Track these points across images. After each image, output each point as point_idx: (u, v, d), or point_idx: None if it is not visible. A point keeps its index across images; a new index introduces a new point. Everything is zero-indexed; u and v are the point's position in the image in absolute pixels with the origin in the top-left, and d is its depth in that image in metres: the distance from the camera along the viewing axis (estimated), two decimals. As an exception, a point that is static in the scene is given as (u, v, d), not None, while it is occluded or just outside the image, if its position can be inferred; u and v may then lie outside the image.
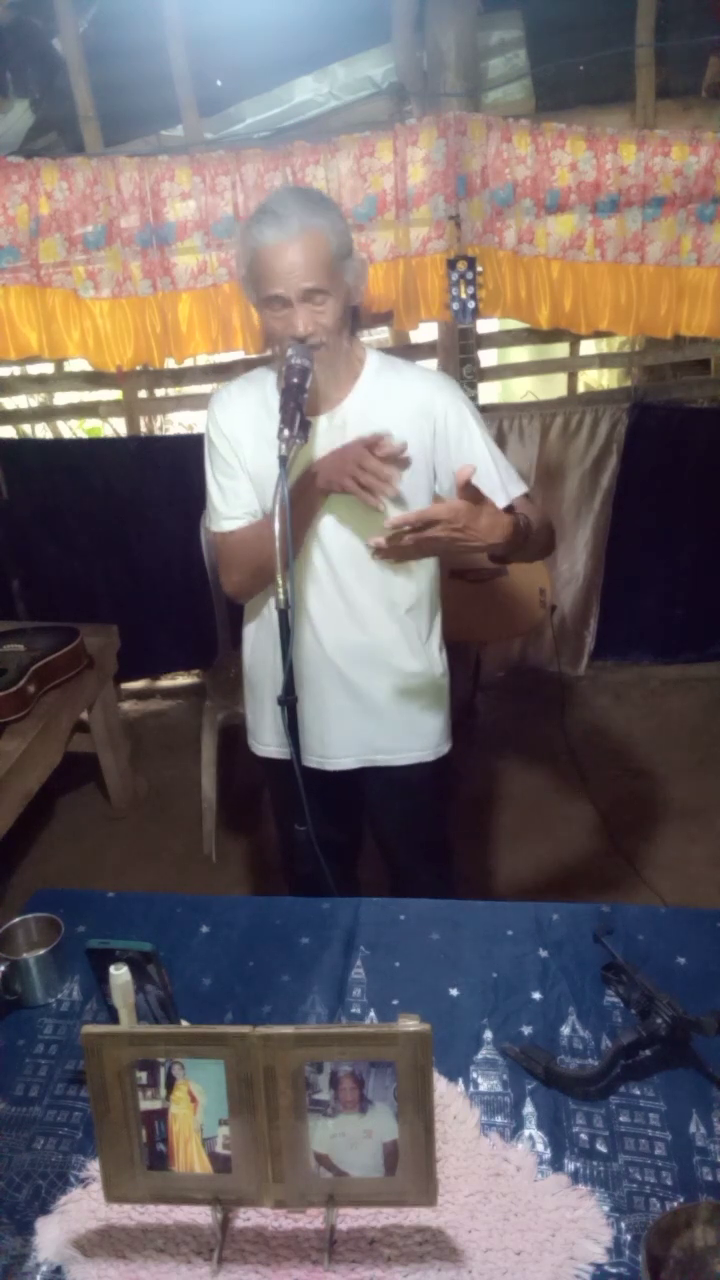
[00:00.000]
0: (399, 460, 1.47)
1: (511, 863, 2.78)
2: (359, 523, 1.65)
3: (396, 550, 1.43)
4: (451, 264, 2.59)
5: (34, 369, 3.57)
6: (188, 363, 3.14)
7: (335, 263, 1.54)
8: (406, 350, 3.27)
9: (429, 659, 1.82)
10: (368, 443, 1.47)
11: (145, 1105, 1.04)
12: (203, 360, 3.28)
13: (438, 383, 1.71)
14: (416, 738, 1.84)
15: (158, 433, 3.72)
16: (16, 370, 3.50)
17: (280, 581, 1.44)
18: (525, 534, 1.53)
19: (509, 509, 1.52)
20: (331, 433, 1.65)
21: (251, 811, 3.07)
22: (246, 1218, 1.10)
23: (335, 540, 1.68)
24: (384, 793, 1.90)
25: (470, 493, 1.39)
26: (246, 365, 3.24)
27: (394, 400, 1.66)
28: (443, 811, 2.03)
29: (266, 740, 1.90)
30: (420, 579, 1.76)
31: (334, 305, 1.55)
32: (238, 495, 1.72)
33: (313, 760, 1.83)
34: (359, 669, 1.76)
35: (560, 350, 3.52)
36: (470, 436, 1.68)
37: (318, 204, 1.55)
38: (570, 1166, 1.14)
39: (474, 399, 2.47)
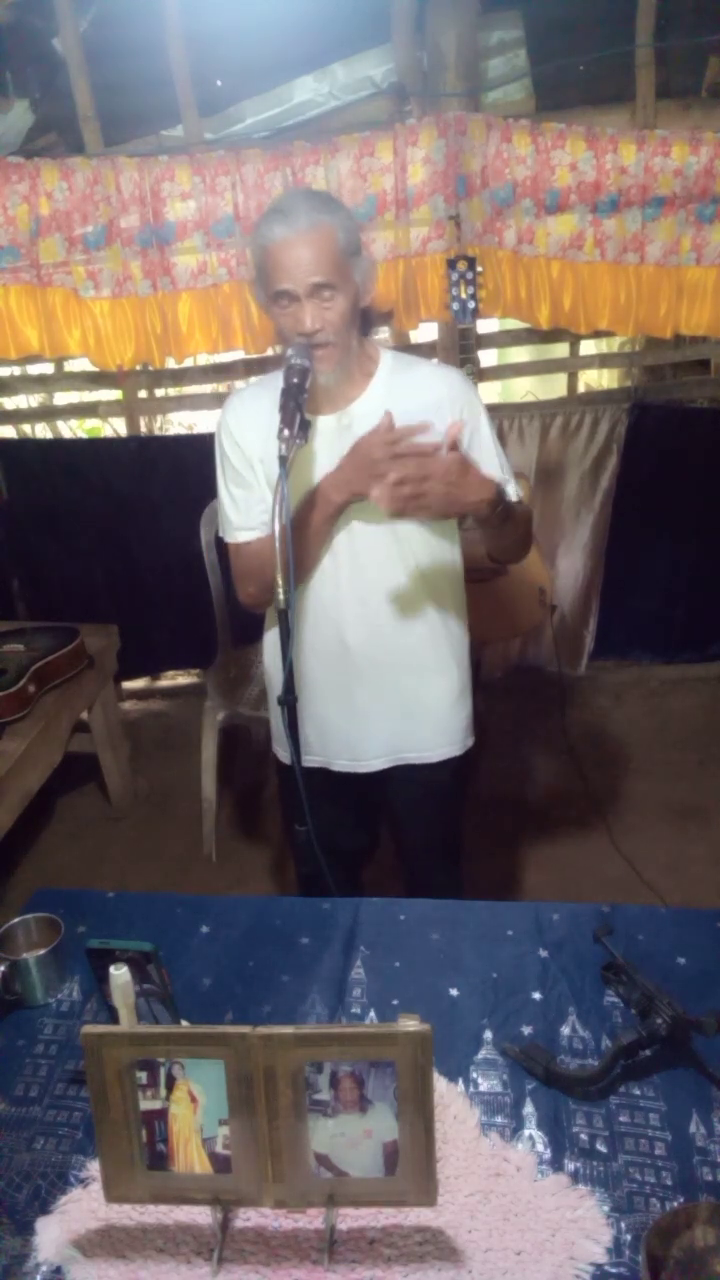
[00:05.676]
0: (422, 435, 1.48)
1: (511, 862, 2.78)
2: (383, 522, 1.64)
3: (398, 501, 1.45)
4: (451, 264, 2.59)
5: (34, 369, 3.57)
6: (188, 362, 3.14)
7: (344, 259, 1.54)
8: (406, 350, 3.26)
9: (457, 654, 1.82)
10: (377, 435, 1.48)
11: (145, 1105, 1.04)
12: (203, 360, 3.28)
13: (453, 382, 1.70)
14: (446, 733, 1.84)
15: (158, 433, 3.72)
16: (16, 370, 3.50)
17: (279, 582, 1.44)
18: (508, 510, 1.60)
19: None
20: (340, 433, 1.63)
21: (251, 811, 3.07)
22: (246, 1218, 1.10)
23: (361, 542, 1.67)
24: (411, 791, 1.89)
25: (458, 452, 1.45)
26: (246, 365, 3.25)
27: (407, 400, 1.64)
28: (462, 809, 2.03)
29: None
30: (449, 575, 1.77)
31: (342, 302, 1.55)
32: (251, 506, 1.70)
33: (342, 764, 1.83)
34: (388, 670, 1.76)
35: (560, 350, 3.51)
36: (481, 440, 1.70)
37: (326, 202, 1.57)
38: (570, 1166, 1.14)
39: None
